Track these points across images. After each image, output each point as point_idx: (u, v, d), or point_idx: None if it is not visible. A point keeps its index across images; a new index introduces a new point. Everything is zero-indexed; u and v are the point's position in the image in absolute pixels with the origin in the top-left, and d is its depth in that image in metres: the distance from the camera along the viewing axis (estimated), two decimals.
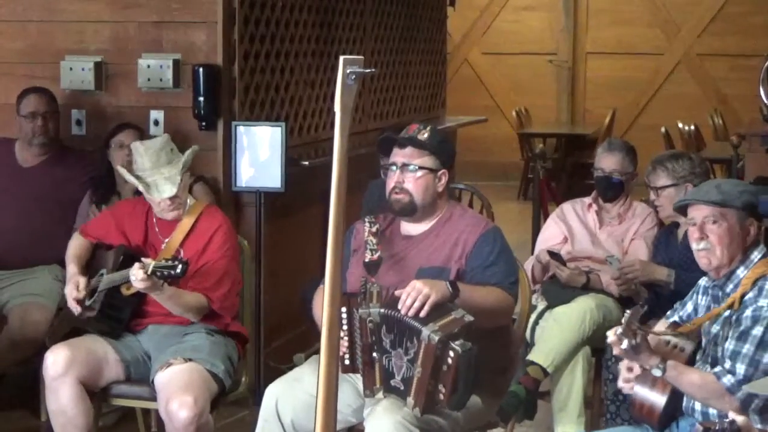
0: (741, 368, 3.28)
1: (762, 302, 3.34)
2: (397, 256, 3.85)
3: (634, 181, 5.23)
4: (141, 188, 4.27)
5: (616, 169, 5.12)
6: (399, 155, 3.88)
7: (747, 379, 3.25)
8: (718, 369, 3.32)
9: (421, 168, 3.84)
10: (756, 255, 3.48)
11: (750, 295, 3.38)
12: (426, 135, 3.85)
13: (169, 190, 4.25)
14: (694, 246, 3.51)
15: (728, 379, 3.28)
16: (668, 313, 3.78)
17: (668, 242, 4.87)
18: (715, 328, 3.46)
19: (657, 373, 3.31)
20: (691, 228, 3.54)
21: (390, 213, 3.94)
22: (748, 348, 3.30)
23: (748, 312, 3.34)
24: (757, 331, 3.30)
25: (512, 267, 3.89)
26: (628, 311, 3.30)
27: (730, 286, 3.48)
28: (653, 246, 4.97)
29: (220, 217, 4.43)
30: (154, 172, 4.27)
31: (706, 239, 3.47)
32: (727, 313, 3.42)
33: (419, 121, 4.07)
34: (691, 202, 3.55)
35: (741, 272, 3.46)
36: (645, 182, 4.97)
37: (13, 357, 4.95)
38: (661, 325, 3.69)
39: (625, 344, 3.23)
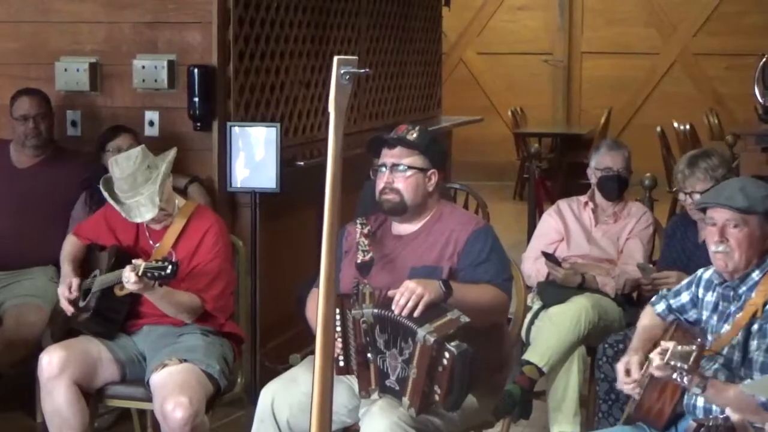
0: None
1: None
2: (388, 257, 3.84)
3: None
4: (122, 213, 4.24)
5: (623, 167, 5.14)
6: (388, 156, 3.87)
7: None
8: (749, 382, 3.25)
9: (410, 168, 3.83)
10: None
11: None
12: (415, 135, 3.84)
13: (148, 212, 4.20)
14: (712, 248, 3.45)
15: None
16: (653, 299, 3.75)
17: (685, 235, 4.79)
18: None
19: (697, 391, 3.23)
20: (710, 228, 3.48)
21: (381, 213, 3.93)
22: None
23: None
24: None
25: (505, 264, 3.87)
26: (695, 345, 3.13)
27: (743, 288, 3.44)
28: (666, 234, 4.93)
29: (211, 217, 4.41)
30: (135, 194, 4.22)
31: (726, 243, 3.41)
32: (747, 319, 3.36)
33: (408, 122, 4.06)
34: (715, 205, 3.46)
35: (756, 275, 3.42)
36: (678, 188, 4.78)
37: (8, 358, 4.94)
38: (645, 317, 3.70)
39: (686, 382, 3.14)
